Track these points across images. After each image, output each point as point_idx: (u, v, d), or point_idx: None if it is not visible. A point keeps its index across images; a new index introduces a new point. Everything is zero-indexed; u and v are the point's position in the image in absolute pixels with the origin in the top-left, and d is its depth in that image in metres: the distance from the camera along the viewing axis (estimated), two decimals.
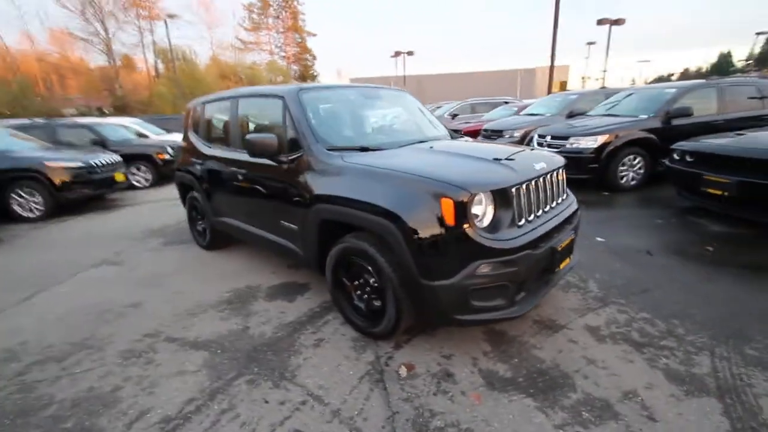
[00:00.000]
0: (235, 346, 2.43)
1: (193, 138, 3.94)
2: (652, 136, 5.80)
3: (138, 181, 8.27)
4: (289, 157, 2.64)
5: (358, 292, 2.41)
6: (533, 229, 2.11)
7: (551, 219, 2.29)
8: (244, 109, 3.22)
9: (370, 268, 2.23)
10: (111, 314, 2.91)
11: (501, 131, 8.48)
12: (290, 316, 2.76)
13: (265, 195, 2.95)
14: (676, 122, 5.77)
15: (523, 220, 2.11)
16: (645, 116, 5.93)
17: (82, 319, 2.85)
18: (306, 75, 43.98)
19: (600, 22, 21.99)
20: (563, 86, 31.96)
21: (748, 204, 3.70)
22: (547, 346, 2.27)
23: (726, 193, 3.82)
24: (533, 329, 2.44)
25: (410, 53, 31.68)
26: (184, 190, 4.27)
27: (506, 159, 2.25)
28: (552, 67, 13.90)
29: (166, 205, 6.60)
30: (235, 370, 2.19)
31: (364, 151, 2.51)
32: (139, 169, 8.24)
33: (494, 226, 2.01)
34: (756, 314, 2.47)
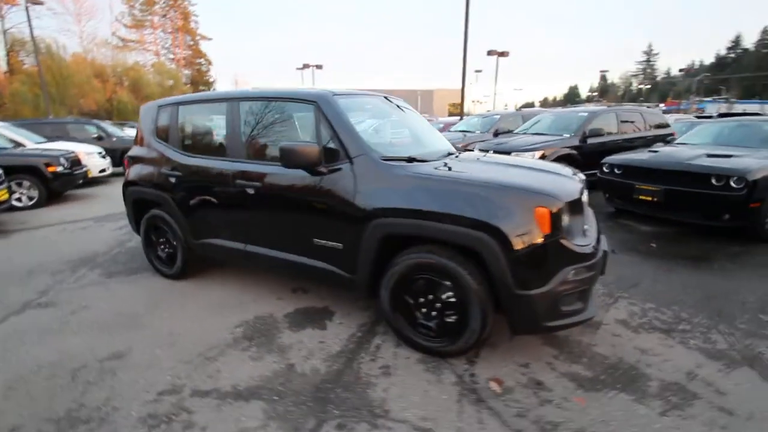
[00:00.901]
0: (291, 388, 2.07)
1: (159, 146, 3.30)
2: (574, 152, 6.77)
3: (19, 200, 6.54)
4: (330, 168, 2.40)
5: (424, 309, 2.28)
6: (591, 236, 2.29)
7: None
8: (249, 114, 2.81)
9: (448, 282, 2.13)
10: (90, 372, 2.23)
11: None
12: (333, 345, 2.47)
13: (290, 211, 2.62)
14: (590, 141, 6.84)
15: (587, 227, 2.26)
16: (567, 135, 6.90)
17: (48, 385, 2.12)
18: (200, 80, 40.34)
19: (490, 53, 24.97)
20: (458, 108, 35.32)
21: (672, 207, 4.56)
22: (600, 342, 2.45)
23: (655, 199, 4.65)
24: (577, 329, 2.61)
25: (319, 66, 31.59)
26: (139, 209, 3.53)
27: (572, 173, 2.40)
28: (463, 90, 15.31)
29: (74, 228, 5.38)
30: (313, 417, 1.87)
31: (413, 162, 2.41)
32: (20, 185, 6.53)
33: (570, 234, 2.11)
34: (723, 295, 3.04)
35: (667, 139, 7.44)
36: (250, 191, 2.71)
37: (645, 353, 2.33)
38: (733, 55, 74.94)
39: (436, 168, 2.33)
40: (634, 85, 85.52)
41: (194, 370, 2.24)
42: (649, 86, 78.33)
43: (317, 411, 1.91)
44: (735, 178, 4.01)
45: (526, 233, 1.93)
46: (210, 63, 42.26)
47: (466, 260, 2.07)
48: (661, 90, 77.23)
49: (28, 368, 2.28)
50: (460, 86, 15.50)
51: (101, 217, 5.97)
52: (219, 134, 3.08)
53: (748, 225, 4.16)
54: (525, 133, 7.72)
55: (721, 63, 75.72)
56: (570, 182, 2.28)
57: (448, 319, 2.20)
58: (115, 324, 2.77)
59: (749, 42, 73.62)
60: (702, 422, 1.80)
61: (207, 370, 2.23)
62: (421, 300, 2.27)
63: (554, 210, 1.95)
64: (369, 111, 3.03)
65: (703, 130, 5.93)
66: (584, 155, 6.63)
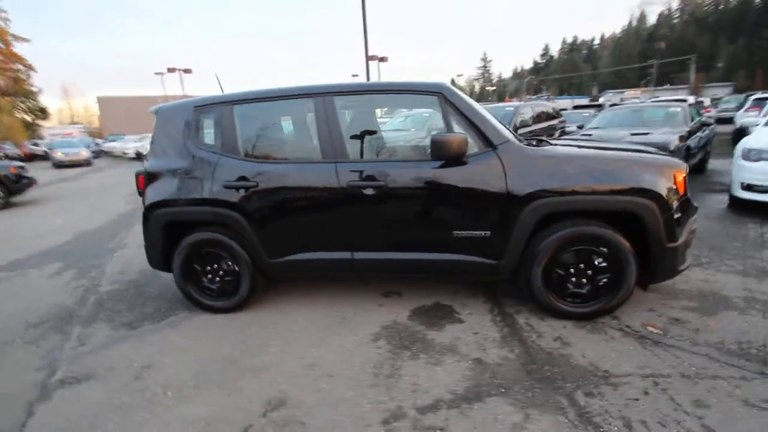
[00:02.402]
0: (506, 378, 2.04)
1: (207, 155, 2.72)
2: None
3: None
4: (472, 157, 2.40)
5: (574, 279, 2.48)
6: None
7: None
8: (349, 110, 2.57)
9: (604, 249, 2.37)
10: (266, 430, 1.79)
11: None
12: (489, 333, 2.47)
13: (424, 207, 2.50)
14: (520, 131, 7.93)
15: None
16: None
17: None
18: (18, 90, 31.56)
19: (371, 58, 26.06)
20: None
21: None
22: (678, 281, 3.01)
23: None
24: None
25: (188, 71, 28.04)
26: (172, 235, 2.83)
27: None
28: None
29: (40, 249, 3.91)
30: (556, 394, 1.90)
31: (533, 146, 2.59)
32: None
33: None
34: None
35: (563, 128, 9.14)
36: (369, 192, 2.49)
37: (707, 282, 2.98)
38: (544, 61, 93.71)
39: (565, 148, 2.55)
40: (476, 88, 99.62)
41: (390, 390, 2.00)
42: (493, 88, 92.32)
43: (552, 389, 1.95)
44: (664, 150, 5.25)
45: (673, 195, 2.31)
46: (31, 69, 33.39)
47: (613, 226, 2.35)
48: (499, 91, 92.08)
49: None
50: None
51: (7, 266, 4.46)
52: (305, 134, 2.71)
53: None
54: None
55: (537, 67, 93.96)
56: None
57: (601, 282, 2.45)
58: (216, 375, 2.23)
59: (554, 50, 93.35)
60: None
61: (403, 387, 2.02)
62: (572, 270, 2.47)
63: (685, 174, 2.37)
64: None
65: (603, 118, 7.48)
66: None
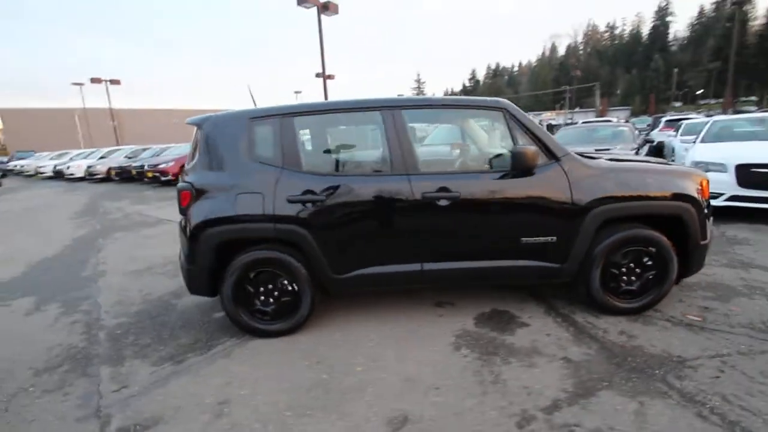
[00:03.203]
0: (603, 372, 2.19)
1: (268, 169, 2.58)
2: None
3: None
4: (541, 168, 2.58)
5: (625, 277, 2.74)
6: None
7: None
8: (418, 123, 2.62)
9: (653, 249, 2.66)
10: None
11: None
12: (559, 333, 2.62)
13: (496, 216, 2.61)
14: None
15: None
16: None
17: None
18: None
19: (318, 75, 26.11)
20: None
21: None
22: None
23: None
24: None
25: (115, 82, 25.39)
26: (223, 257, 2.62)
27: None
28: None
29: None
30: (658, 382, 2.08)
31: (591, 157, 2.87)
32: None
33: None
34: None
35: None
36: (443, 203, 2.54)
37: (707, 275, 3.44)
38: (472, 84, 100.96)
39: (611, 161, 2.85)
40: None
41: (505, 395, 2.03)
42: None
43: (646, 377, 2.13)
44: None
45: (701, 199, 2.69)
46: None
47: (658, 228, 2.67)
48: None
49: None
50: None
51: None
52: (371, 147, 2.69)
53: None
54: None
55: (465, 90, 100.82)
56: None
57: (649, 279, 2.73)
58: (313, 401, 2.09)
59: (480, 75, 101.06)
60: None
61: (515, 391, 2.07)
62: (624, 269, 2.73)
63: (708, 181, 2.77)
64: None
65: (565, 135, 8.29)
66: None
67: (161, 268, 4.50)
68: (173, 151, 14.11)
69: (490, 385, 2.13)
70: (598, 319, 2.76)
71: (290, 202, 2.55)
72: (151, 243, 5.75)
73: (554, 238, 2.64)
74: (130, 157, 16.80)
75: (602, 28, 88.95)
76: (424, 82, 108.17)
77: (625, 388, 2.05)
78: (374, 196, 2.58)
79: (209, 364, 2.50)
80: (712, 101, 56.37)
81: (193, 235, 2.60)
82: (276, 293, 2.71)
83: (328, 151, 2.78)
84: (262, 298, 2.71)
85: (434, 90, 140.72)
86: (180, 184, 2.68)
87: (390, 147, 2.61)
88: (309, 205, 2.55)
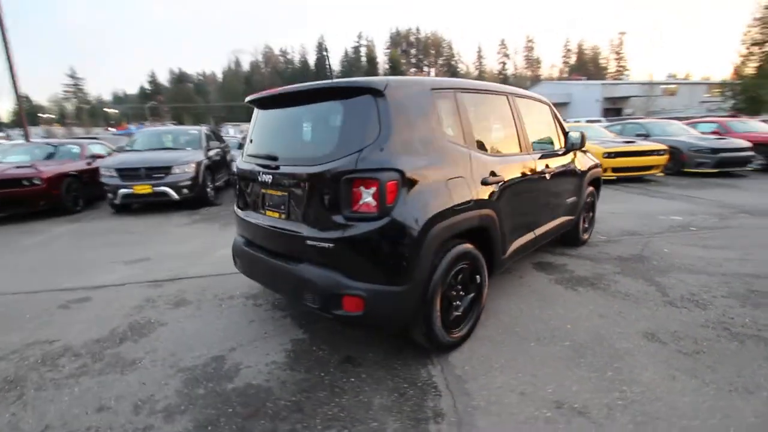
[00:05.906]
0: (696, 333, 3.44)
1: (458, 148, 2.21)
2: (207, 161, 7.63)
3: None
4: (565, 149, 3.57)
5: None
6: None
7: None
8: (523, 109, 3.01)
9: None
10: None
11: None
12: (624, 284, 3.73)
13: (562, 182, 3.38)
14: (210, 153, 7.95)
15: None
16: (192, 149, 7.77)
17: None
18: None
19: None
20: None
21: None
22: None
23: None
24: None
25: None
26: (434, 257, 2.03)
27: None
28: None
29: None
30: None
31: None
32: None
33: None
34: None
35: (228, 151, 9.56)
36: (547, 176, 3.07)
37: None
38: (152, 88, 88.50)
39: None
40: (69, 108, 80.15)
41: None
42: (85, 107, 77.07)
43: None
44: None
45: None
46: None
47: None
48: (96, 113, 78.36)
49: None
50: None
51: None
52: (508, 128, 2.76)
53: None
54: (145, 150, 7.61)
55: (145, 93, 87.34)
56: None
57: None
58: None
59: (163, 79, 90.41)
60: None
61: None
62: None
63: None
64: None
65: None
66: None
67: None
68: None
69: (702, 366, 2.94)
70: (580, 260, 4.10)
71: (484, 184, 2.33)
72: None
73: (575, 197, 3.71)
74: None
75: (277, 51, 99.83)
76: (83, 79, 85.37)
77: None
78: (522, 172, 2.76)
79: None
80: None
81: (417, 241, 1.88)
82: (461, 294, 2.35)
83: (488, 130, 2.62)
84: (456, 302, 2.30)
85: (100, 92, 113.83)
86: (373, 174, 1.80)
87: (517, 129, 2.86)
88: (495, 186, 2.42)
